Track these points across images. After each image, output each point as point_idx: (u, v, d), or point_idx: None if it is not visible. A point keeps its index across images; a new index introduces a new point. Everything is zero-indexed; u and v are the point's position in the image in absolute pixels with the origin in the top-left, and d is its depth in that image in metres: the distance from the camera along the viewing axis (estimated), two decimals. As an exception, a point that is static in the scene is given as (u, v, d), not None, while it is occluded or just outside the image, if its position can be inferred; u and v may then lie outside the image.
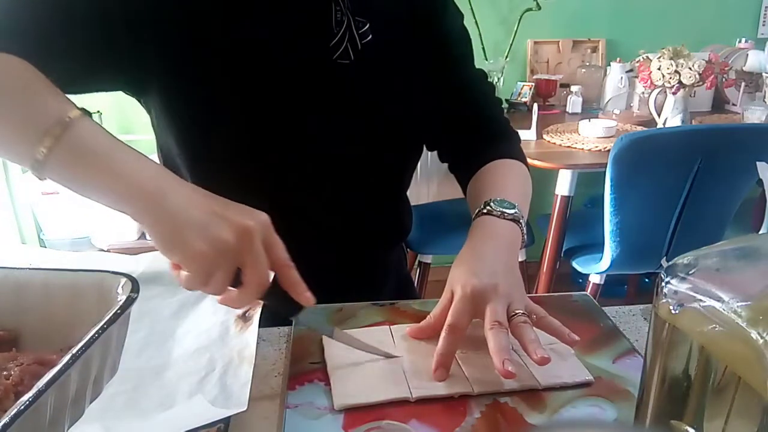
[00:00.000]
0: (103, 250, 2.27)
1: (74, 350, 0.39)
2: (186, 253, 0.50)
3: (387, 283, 0.93)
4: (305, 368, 0.62)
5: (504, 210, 0.71)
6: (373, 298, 0.77)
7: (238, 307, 0.61)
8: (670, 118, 1.93)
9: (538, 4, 2.30)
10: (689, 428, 0.40)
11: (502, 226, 0.70)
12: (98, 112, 2.34)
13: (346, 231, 0.83)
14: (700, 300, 0.39)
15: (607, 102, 2.26)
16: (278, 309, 0.58)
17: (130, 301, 0.45)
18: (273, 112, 0.73)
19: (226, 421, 0.53)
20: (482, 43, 2.34)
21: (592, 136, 1.92)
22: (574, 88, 2.30)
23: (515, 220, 0.70)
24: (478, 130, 0.87)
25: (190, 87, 0.70)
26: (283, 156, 0.75)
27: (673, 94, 1.89)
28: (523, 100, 2.33)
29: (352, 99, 0.77)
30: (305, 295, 0.56)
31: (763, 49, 2.29)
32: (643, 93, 2.07)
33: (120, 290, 0.47)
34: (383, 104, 0.79)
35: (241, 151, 0.74)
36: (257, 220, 0.52)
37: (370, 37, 0.75)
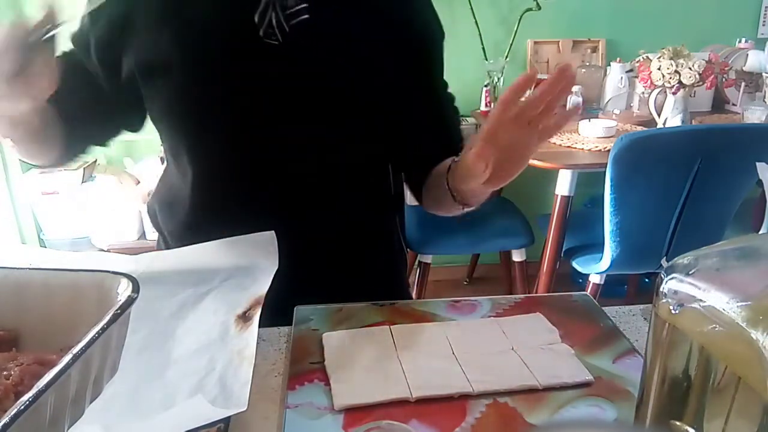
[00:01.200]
0: (103, 250, 2.27)
1: (74, 350, 0.39)
2: None
3: (374, 280, 0.92)
4: (305, 368, 0.62)
5: None
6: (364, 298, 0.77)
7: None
8: (670, 118, 1.93)
9: (538, 4, 2.30)
10: (689, 428, 0.40)
11: None
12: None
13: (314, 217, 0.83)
14: (700, 300, 0.39)
15: (607, 102, 2.26)
16: None
17: (130, 301, 0.45)
18: (211, 93, 0.75)
19: (226, 421, 0.53)
20: (482, 43, 2.34)
21: (592, 136, 1.91)
22: (574, 88, 2.30)
23: None
24: (438, 137, 0.86)
25: (149, 82, 0.75)
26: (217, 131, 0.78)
27: (673, 94, 1.89)
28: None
29: (282, 83, 0.75)
30: None
31: (763, 49, 2.29)
32: (643, 93, 2.07)
33: (120, 290, 0.47)
34: (320, 91, 0.77)
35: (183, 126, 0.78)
36: None
37: (307, 16, 0.73)
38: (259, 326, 0.64)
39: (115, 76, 0.77)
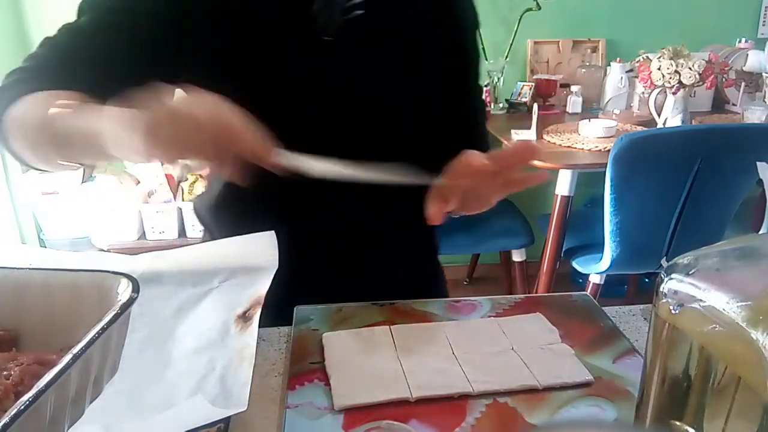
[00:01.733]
0: (103, 250, 2.26)
1: (74, 350, 0.39)
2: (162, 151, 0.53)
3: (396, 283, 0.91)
4: (305, 368, 0.62)
5: None
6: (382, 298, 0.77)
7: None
8: (670, 118, 1.93)
9: (538, 4, 2.30)
10: (689, 428, 0.40)
11: None
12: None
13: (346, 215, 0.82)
14: (700, 300, 0.39)
15: (607, 102, 2.26)
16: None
17: (130, 301, 0.45)
18: (263, 88, 0.73)
19: (226, 421, 0.53)
20: (482, 43, 2.34)
21: (592, 136, 1.91)
22: (574, 88, 2.30)
23: None
24: (464, 140, 0.86)
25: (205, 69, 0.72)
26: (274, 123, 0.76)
27: (673, 94, 1.89)
28: (523, 100, 2.33)
29: (335, 79, 0.75)
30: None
31: (763, 49, 2.29)
32: (643, 93, 2.07)
33: (120, 290, 0.47)
34: (370, 90, 0.77)
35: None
36: (205, 112, 0.53)
37: (361, 12, 0.73)
38: (259, 326, 0.64)
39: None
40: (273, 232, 0.71)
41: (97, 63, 0.68)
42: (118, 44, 0.69)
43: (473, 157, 0.67)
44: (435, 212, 0.67)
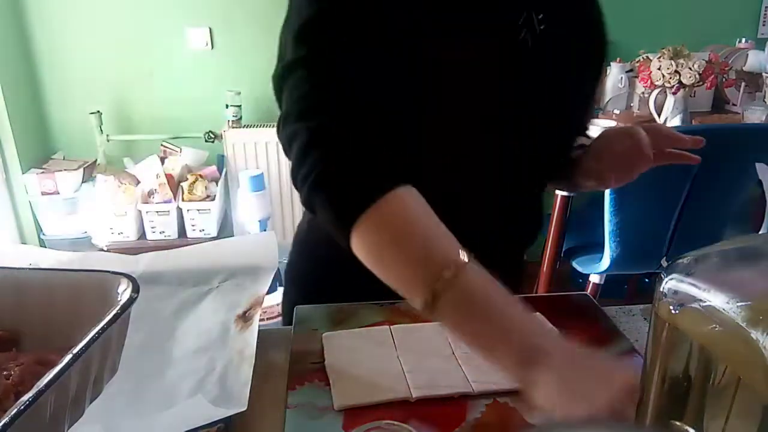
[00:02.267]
0: (103, 250, 2.27)
1: (74, 350, 0.39)
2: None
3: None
4: (305, 368, 0.62)
5: None
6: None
7: None
8: (670, 118, 1.93)
9: (538, 4, 2.30)
10: (689, 428, 0.40)
11: None
12: (98, 112, 2.34)
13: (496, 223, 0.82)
14: (700, 300, 0.39)
15: (607, 102, 2.26)
16: None
17: (130, 301, 0.45)
18: (464, 91, 0.72)
19: (226, 420, 0.53)
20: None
21: (592, 136, 1.91)
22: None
23: None
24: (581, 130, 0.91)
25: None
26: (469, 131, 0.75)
27: (673, 94, 1.89)
28: (523, 100, 2.32)
29: (531, 83, 0.76)
30: None
31: (763, 49, 2.29)
32: (643, 93, 2.07)
33: (120, 290, 0.47)
34: (557, 94, 0.79)
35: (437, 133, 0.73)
36: (622, 382, 0.51)
37: (544, 27, 0.75)
38: (259, 326, 0.64)
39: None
40: (273, 232, 0.71)
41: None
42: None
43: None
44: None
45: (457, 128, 0.74)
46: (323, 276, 0.86)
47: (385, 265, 0.58)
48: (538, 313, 0.62)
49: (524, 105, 0.77)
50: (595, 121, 1.97)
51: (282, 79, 0.64)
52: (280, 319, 0.96)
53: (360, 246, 0.58)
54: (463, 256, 0.55)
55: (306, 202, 0.61)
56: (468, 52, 0.71)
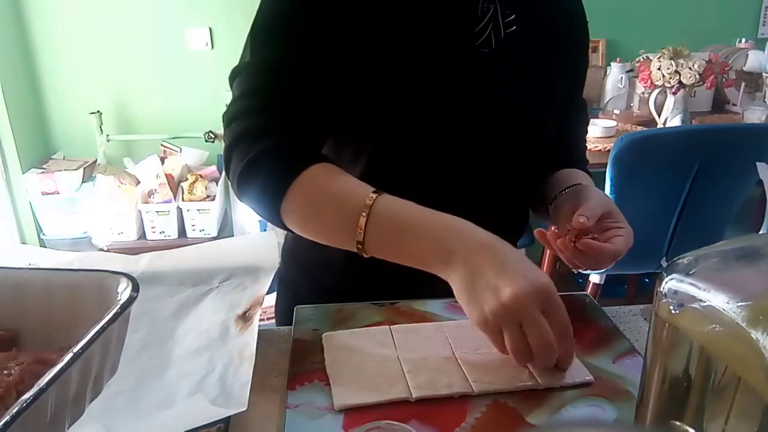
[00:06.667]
0: (103, 250, 2.26)
1: (74, 350, 0.39)
2: (478, 316, 0.57)
3: None
4: (305, 368, 0.62)
5: None
6: None
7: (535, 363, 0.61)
8: (670, 118, 1.93)
9: (538, 4, 2.30)
10: (689, 428, 0.40)
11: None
12: (98, 112, 2.34)
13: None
14: (700, 300, 0.39)
15: (607, 102, 2.27)
16: None
17: (130, 301, 0.45)
18: (419, 98, 0.74)
19: (226, 420, 0.53)
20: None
21: (592, 136, 1.92)
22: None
23: None
24: (565, 150, 0.91)
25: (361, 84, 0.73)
26: (424, 140, 0.76)
27: (673, 94, 1.89)
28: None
29: (488, 89, 0.77)
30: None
31: (763, 49, 2.29)
32: (643, 93, 2.07)
33: (120, 290, 0.47)
34: (520, 97, 0.79)
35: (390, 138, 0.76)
36: (535, 285, 0.55)
37: (515, 27, 0.76)
38: (259, 326, 0.64)
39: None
40: (273, 232, 0.71)
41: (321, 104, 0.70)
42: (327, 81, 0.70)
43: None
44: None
45: (418, 128, 0.76)
46: (312, 281, 0.87)
47: (313, 229, 0.67)
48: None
49: (485, 107, 0.77)
50: (595, 121, 1.97)
51: (234, 74, 0.71)
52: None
53: (290, 219, 0.67)
54: (374, 193, 0.62)
55: (238, 189, 0.68)
56: (422, 54, 0.73)
